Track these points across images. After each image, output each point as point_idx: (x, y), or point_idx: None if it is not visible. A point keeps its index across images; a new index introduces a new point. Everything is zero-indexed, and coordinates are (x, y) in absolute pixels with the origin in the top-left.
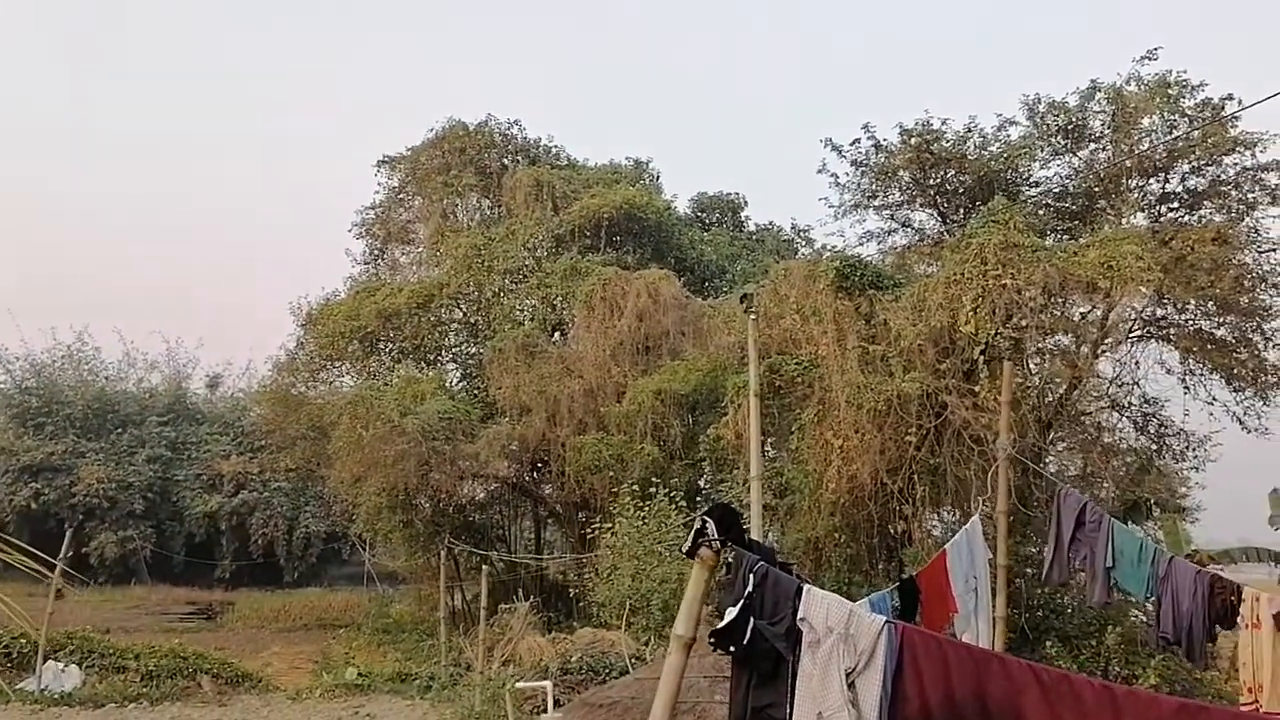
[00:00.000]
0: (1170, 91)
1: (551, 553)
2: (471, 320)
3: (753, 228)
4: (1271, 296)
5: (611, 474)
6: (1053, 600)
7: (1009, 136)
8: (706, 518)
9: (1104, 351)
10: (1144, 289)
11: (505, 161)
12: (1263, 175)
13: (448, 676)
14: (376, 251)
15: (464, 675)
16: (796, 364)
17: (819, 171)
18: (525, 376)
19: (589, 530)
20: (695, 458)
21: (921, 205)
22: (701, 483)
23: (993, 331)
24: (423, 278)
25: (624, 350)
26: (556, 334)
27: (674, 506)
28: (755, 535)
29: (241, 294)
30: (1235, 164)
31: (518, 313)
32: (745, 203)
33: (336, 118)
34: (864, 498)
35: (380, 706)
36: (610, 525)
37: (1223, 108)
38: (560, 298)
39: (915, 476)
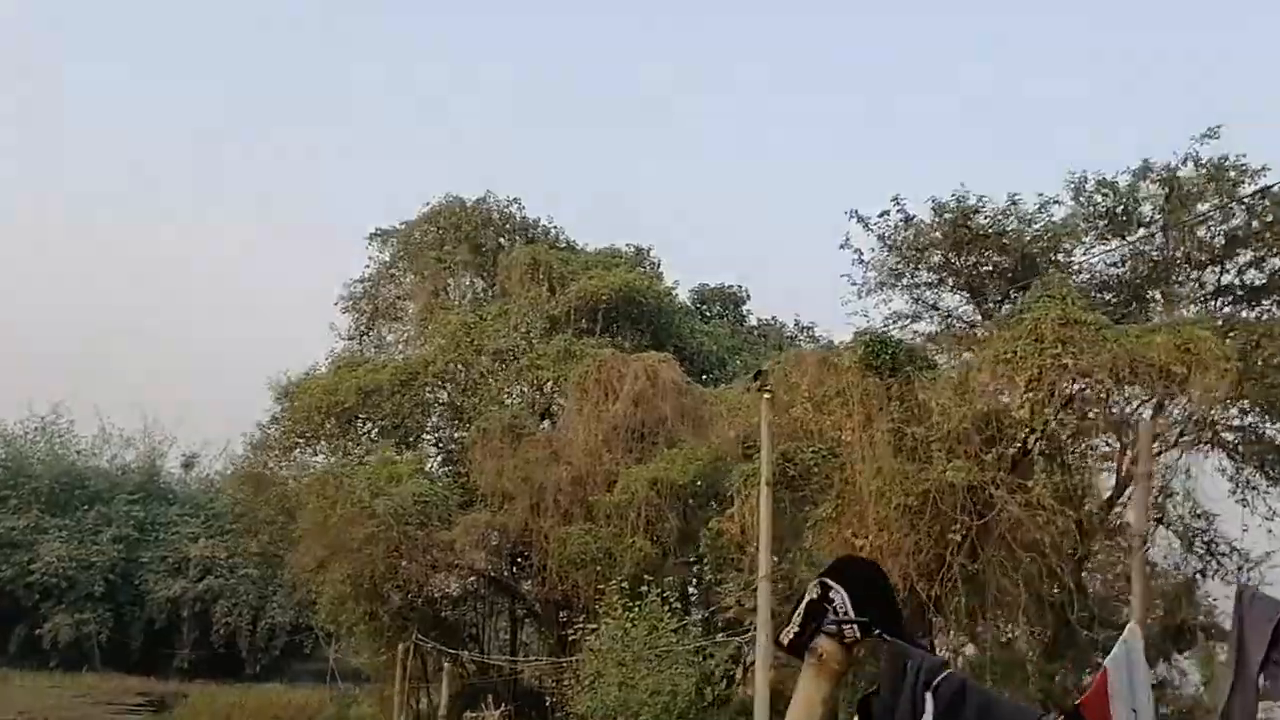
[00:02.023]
0: (1229, 175)
1: (528, 655)
2: (456, 402)
3: (754, 322)
4: None
5: (599, 569)
6: None
7: (1051, 216)
8: (832, 583)
9: (1158, 454)
10: (1223, 379)
11: (502, 240)
12: None
13: None
14: (363, 327)
15: None
16: (814, 452)
17: (842, 246)
18: (509, 461)
19: (570, 631)
20: (692, 555)
21: (954, 288)
22: (696, 584)
23: (1049, 418)
24: (409, 355)
25: (617, 436)
26: (545, 421)
27: (667, 608)
28: (762, 642)
29: (227, 368)
30: None
31: (505, 396)
32: (747, 296)
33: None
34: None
35: None
36: (595, 626)
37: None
38: (551, 382)
39: (953, 584)
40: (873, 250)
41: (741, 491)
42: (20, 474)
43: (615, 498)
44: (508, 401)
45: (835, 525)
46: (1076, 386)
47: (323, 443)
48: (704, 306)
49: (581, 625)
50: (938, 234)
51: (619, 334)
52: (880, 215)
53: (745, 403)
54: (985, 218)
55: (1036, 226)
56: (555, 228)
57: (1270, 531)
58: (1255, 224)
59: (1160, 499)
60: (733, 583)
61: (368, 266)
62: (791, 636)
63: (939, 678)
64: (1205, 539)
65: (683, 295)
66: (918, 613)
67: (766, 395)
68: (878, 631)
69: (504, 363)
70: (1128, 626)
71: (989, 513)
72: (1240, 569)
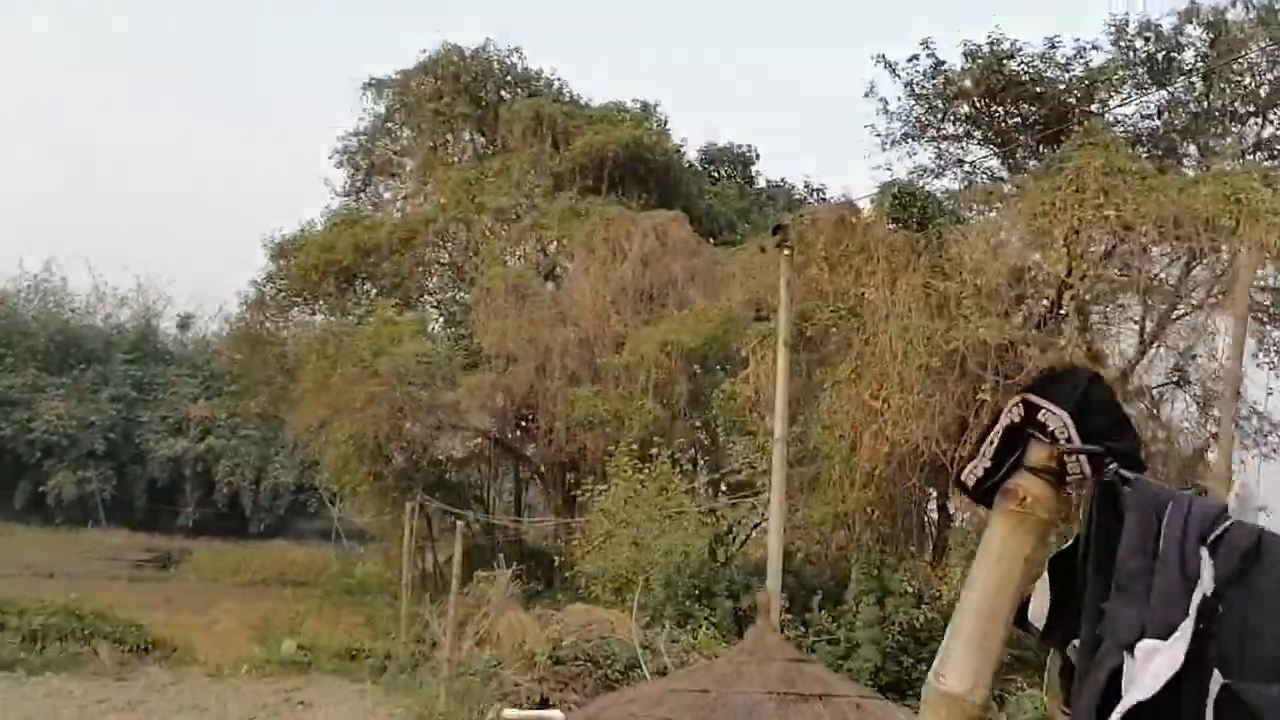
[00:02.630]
0: None
1: (533, 516)
2: (458, 262)
3: (763, 184)
4: None
5: (607, 431)
6: None
7: (1089, 62)
8: (1042, 401)
9: (1178, 317)
10: (1273, 231)
11: (503, 93)
12: None
13: (408, 657)
14: (359, 183)
15: (429, 655)
16: (833, 312)
17: (866, 95)
18: (514, 321)
19: (578, 493)
20: (702, 418)
21: (982, 141)
22: (706, 447)
23: (1087, 273)
24: (407, 213)
25: (626, 297)
26: (550, 283)
27: (677, 470)
28: (776, 504)
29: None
30: None
31: (509, 256)
32: (756, 156)
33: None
34: (907, 469)
35: (320, 692)
36: (605, 488)
37: None
38: (556, 242)
39: (967, 447)
40: (899, 99)
41: (757, 352)
42: (15, 331)
43: (624, 360)
44: (511, 262)
45: (854, 387)
46: (1117, 240)
47: (321, 302)
48: (711, 167)
49: (590, 487)
50: (968, 81)
51: (626, 193)
52: (909, 60)
53: (759, 263)
54: (1019, 63)
55: (1073, 73)
56: (559, 80)
57: None
58: None
59: (1183, 361)
60: (744, 445)
61: (362, 119)
62: (980, 475)
63: (1221, 527)
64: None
65: (690, 155)
66: (938, 474)
67: (786, 251)
68: (1112, 465)
69: (506, 222)
70: (1238, 483)
71: (1018, 373)
72: (1259, 432)
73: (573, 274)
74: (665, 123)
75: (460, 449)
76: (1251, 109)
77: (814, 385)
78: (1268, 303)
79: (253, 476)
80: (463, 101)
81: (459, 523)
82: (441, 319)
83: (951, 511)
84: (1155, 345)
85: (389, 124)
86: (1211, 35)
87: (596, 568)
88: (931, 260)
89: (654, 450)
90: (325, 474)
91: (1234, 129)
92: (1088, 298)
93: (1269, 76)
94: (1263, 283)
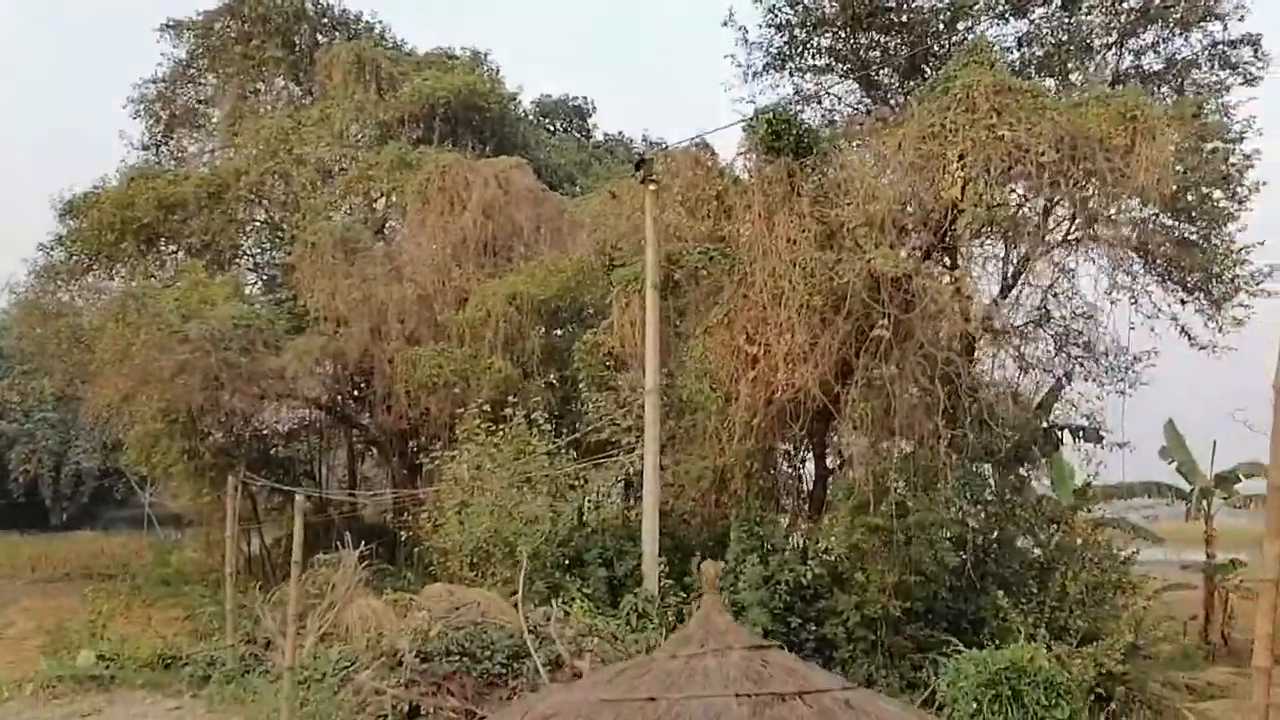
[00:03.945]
0: None
1: (370, 490)
2: (275, 219)
3: (601, 137)
4: (1237, 191)
5: (454, 393)
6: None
7: None
8: None
9: (1039, 254)
10: (1166, 150)
11: (319, 36)
12: (1230, 51)
13: (236, 661)
14: (160, 136)
15: (262, 657)
16: (702, 253)
17: (725, 24)
18: (344, 280)
19: (423, 461)
20: (558, 374)
21: (844, 74)
22: (564, 405)
23: (982, 195)
24: (215, 167)
25: (467, 250)
26: (382, 240)
27: (535, 431)
28: (650, 462)
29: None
30: (1201, 40)
31: (333, 211)
32: (594, 109)
33: None
34: (788, 417)
35: (125, 714)
36: (454, 454)
37: None
38: (386, 194)
39: (866, 386)
40: (760, 28)
41: (620, 299)
42: None
43: (469, 315)
44: (336, 217)
45: (727, 332)
46: (1012, 162)
47: (119, 266)
48: (546, 120)
49: (438, 454)
50: (833, 5)
51: (459, 143)
52: None
53: (612, 209)
54: None
55: (933, 1)
56: (381, 24)
57: (1153, 330)
58: (1156, 2)
59: (1043, 299)
60: (606, 402)
61: (160, 65)
62: None
63: None
64: (1084, 340)
65: (524, 108)
66: (820, 419)
67: (652, 187)
68: None
69: (329, 175)
70: None
71: (910, 309)
72: (1112, 370)
73: (407, 226)
74: (498, 72)
75: (288, 420)
76: (1111, 40)
77: (684, 333)
78: (1127, 234)
79: (52, 463)
80: (274, 45)
81: (297, 497)
82: (260, 281)
83: (831, 463)
84: (1019, 284)
85: (191, 70)
86: None
87: (451, 542)
88: (816, 189)
89: (507, 411)
90: (132, 454)
91: (1094, 60)
92: (978, 227)
93: (1127, 6)
94: (1117, 216)
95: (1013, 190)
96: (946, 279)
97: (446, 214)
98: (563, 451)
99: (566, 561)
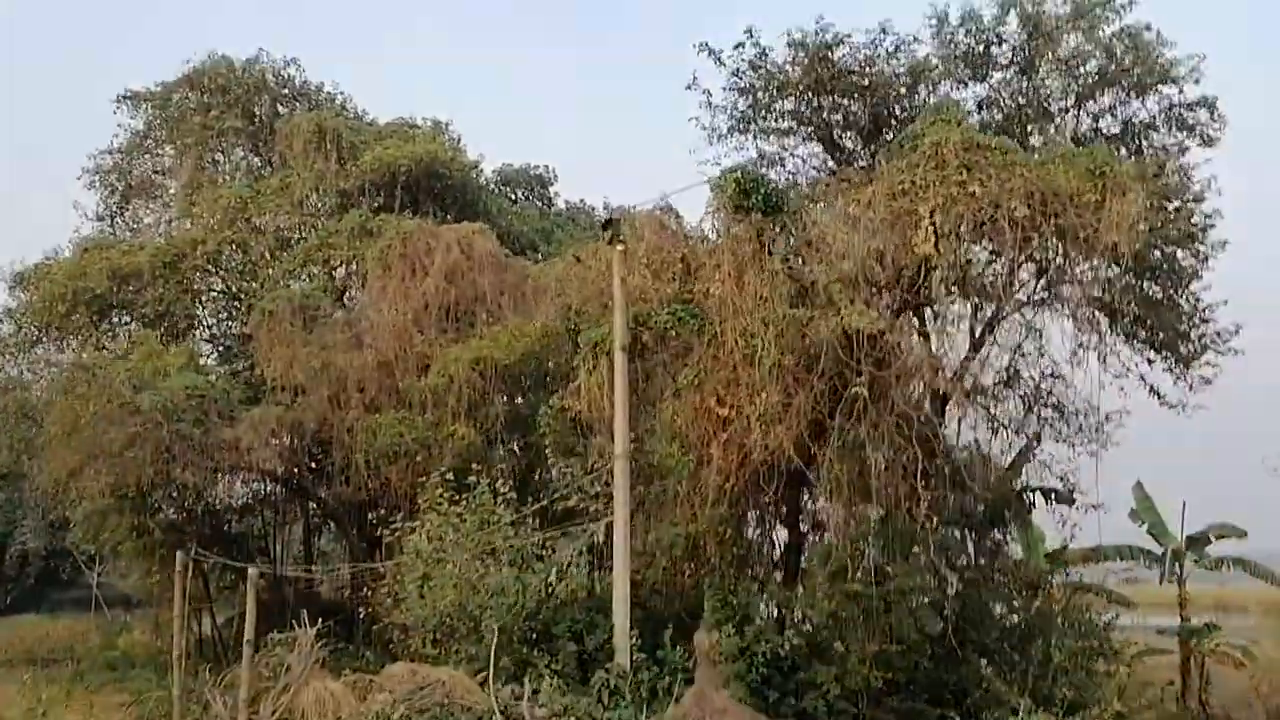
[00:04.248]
0: (1094, 11)
1: (327, 565)
2: (233, 289)
3: (562, 205)
4: (1201, 250)
5: (415, 462)
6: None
7: (914, 54)
8: None
9: (1006, 314)
10: (1134, 205)
11: (279, 107)
12: (1187, 114)
13: None
14: (115, 206)
15: None
16: (670, 314)
17: (688, 87)
18: (303, 349)
19: (386, 533)
20: (523, 440)
21: (806, 138)
22: (529, 473)
23: (955, 250)
24: (172, 236)
25: (429, 316)
26: (342, 309)
27: (500, 500)
28: (620, 529)
29: None
30: (1157, 103)
31: (292, 280)
32: (555, 177)
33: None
34: (762, 481)
35: None
36: (416, 525)
37: (1144, 34)
38: (346, 263)
39: (840, 448)
40: (723, 90)
41: (587, 362)
42: None
43: (431, 382)
44: (295, 285)
45: (697, 394)
46: (984, 219)
47: (71, 338)
48: (507, 189)
49: (399, 525)
50: (796, 70)
51: (421, 211)
52: (735, 48)
53: (577, 274)
54: (846, 53)
55: (896, 67)
56: (341, 94)
57: (1122, 390)
58: (1113, 67)
59: (1013, 359)
60: (574, 468)
61: (116, 135)
62: None
63: None
64: (1053, 400)
65: (485, 178)
66: (793, 483)
67: (620, 247)
68: None
69: (288, 243)
70: None
71: (884, 368)
72: (1081, 430)
73: (368, 293)
74: (459, 141)
75: (241, 494)
76: (1069, 103)
77: (652, 396)
78: (1096, 294)
79: None
80: (233, 115)
81: (250, 570)
82: (217, 351)
83: (804, 529)
84: (988, 344)
85: (149, 141)
86: (1029, 28)
87: (413, 617)
88: (786, 247)
89: (471, 479)
90: (79, 532)
91: (1053, 123)
92: (950, 283)
93: (1084, 70)
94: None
95: (984, 248)
96: (916, 337)
97: (408, 280)
98: (528, 520)
99: (534, 636)
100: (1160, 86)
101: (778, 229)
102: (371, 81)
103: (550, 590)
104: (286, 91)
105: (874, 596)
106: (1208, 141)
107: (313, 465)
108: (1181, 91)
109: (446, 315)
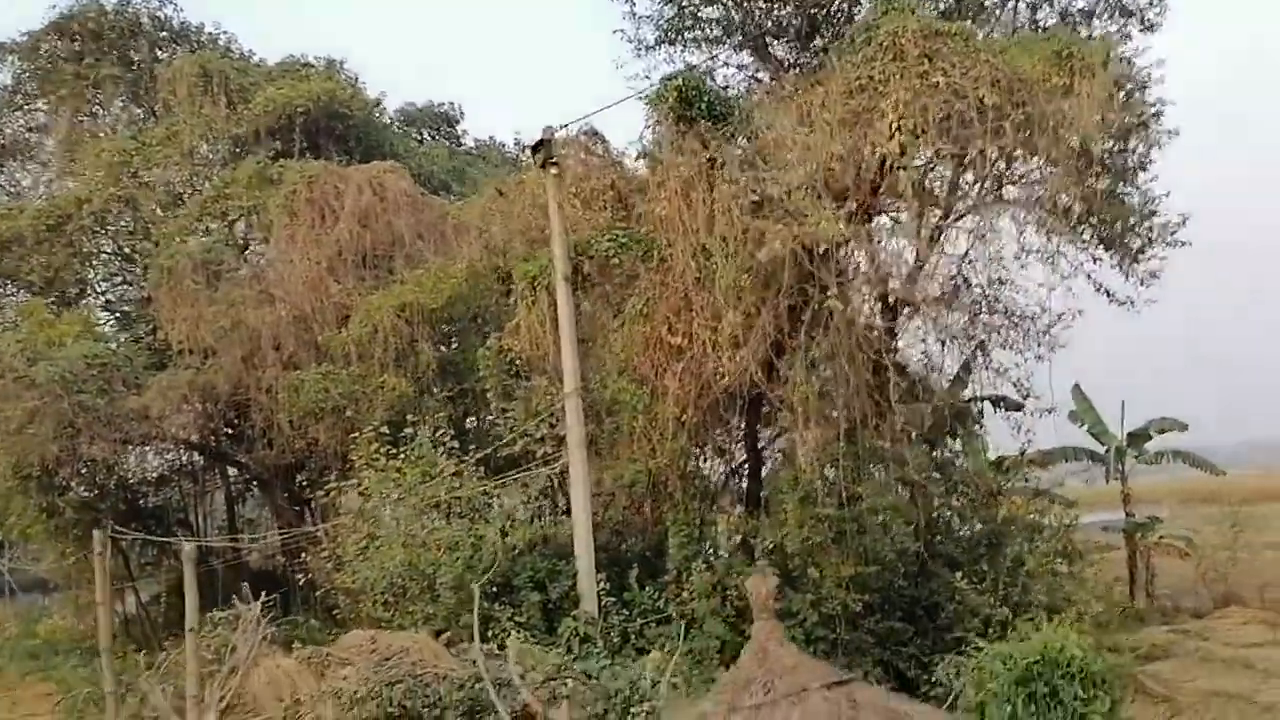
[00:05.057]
0: None
1: (253, 533)
2: (125, 250)
3: (472, 143)
4: (1151, 138)
5: (347, 416)
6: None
7: None
8: None
9: (953, 221)
10: (1104, 89)
11: (159, 52)
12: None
13: None
14: None
15: None
16: (612, 239)
17: None
18: (209, 308)
19: (314, 496)
20: (458, 387)
21: (738, 46)
22: (469, 420)
23: (922, 149)
24: (54, 196)
25: (344, 263)
26: (246, 262)
27: (442, 450)
28: (578, 470)
29: None
30: None
31: (190, 235)
32: (462, 115)
33: None
34: (721, 408)
35: None
36: (356, 482)
37: None
38: (247, 212)
39: (803, 367)
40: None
41: (526, 296)
42: None
43: (354, 332)
44: (192, 241)
45: (647, 323)
46: (949, 110)
47: None
48: (412, 129)
49: (333, 486)
50: None
51: (323, 155)
52: None
53: (500, 209)
54: None
55: None
56: (225, 34)
57: (1070, 290)
58: None
59: (960, 267)
60: (518, 411)
61: None
62: None
63: None
64: (1002, 307)
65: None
66: (752, 409)
67: (554, 171)
68: None
69: (180, 198)
70: None
71: (842, 281)
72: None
73: (275, 243)
74: (356, 80)
75: (156, 466)
76: None
77: (598, 329)
78: (1039, 195)
79: None
80: (109, 63)
81: (185, 546)
82: (114, 317)
83: (765, 453)
84: (935, 252)
85: (18, 96)
86: None
87: (360, 580)
88: (737, 158)
89: (407, 432)
90: None
91: (989, 17)
92: (912, 184)
93: None
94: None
95: (938, 147)
96: (865, 250)
97: (318, 226)
98: (473, 469)
99: (495, 589)
100: None
101: (726, 138)
102: (256, 26)
103: (507, 539)
104: (165, 34)
105: (846, 518)
106: (1149, 26)
107: (230, 430)
108: None
109: (363, 261)
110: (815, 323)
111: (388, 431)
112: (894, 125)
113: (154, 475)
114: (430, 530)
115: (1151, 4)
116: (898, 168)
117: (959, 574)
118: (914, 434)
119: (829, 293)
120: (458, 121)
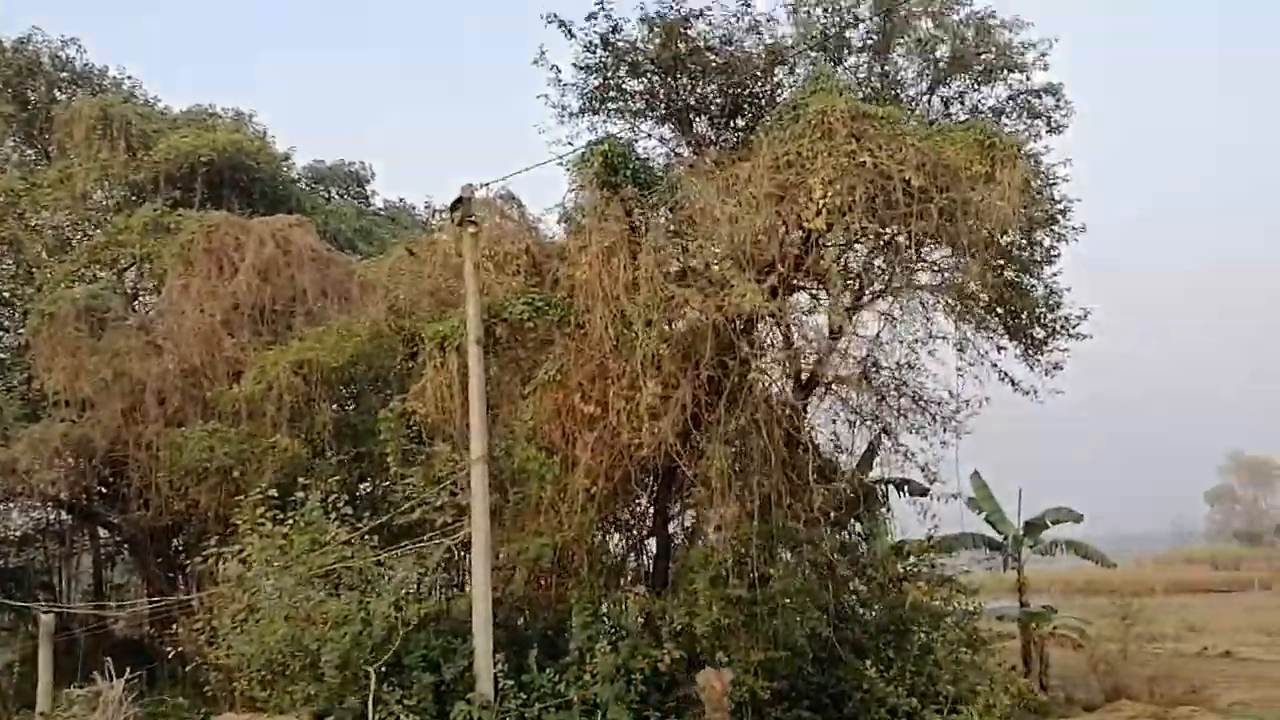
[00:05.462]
0: None
1: (122, 599)
2: (4, 294)
3: (380, 204)
4: (1060, 232)
5: (233, 477)
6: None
7: (773, 35)
8: None
9: (866, 302)
10: (1021, 178)
11: (57, 93)
12: (1035, 100)
13: None
14: None
15: None
16: (527, 303)
17: (535, 62)
18: (90, 358)
19: (191, 562)
20: (354, 450)
21: (660, 120)
22: (366, 485)
23: (852, 224)
24: None
25: (241, 317)
26: (134, 313)
27: (335, 517)
28: (480, 542)
29: None
30: (1006, 89)
31: (76, 281)
32: (372, 175)
33: None
34: (631, 483)
35: None
36: (241, 548)
37: (989, 20)
38: (139, 260)
39: (716, 448)
40: (574, 67)
41: (434, 359)
42: None
43: (247, 389)
44: (78, 288)
45: (561, 390)
46: (875, 191)
47: None
48: (319, 187)
49: (211, 551)
50: (650, 47)
51: (226, 205)
52: (588, 19)
53: (409, 269)
54: (704, 26)
55: (753, 45)
56: (129, 79)
57: (976, 378)
58: (963, 53)
59: (871, 349)
60: (418, 478)
61: None
62: None
63: None
64: (910, 391)
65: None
66: (663, 484)
67: (472, 229)
68: None
69: (69, 242)
70: None
71: (760, 355)
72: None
73: (168, 293)
74: (265, 133)
75: (20, 524)
76: (923, 88)
77: (507, 395)
78: (954, 280)
79: None
80: (4, 100)
81: (44, 619)
82: None
83: (673, 531)
84: (847, 332)
85: None
86: (882, 10)
87: (237, 656)
88: (661, 226)
89: (297, 496)
90: None
91: (907, 108)
92: (834, 262)
93: (937, 55)
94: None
95: (865, 226)
96: (783, 325)
97: (215, 277)
98: (366, 539)
99: (384, 669)
100: (1007, 73)
101: (650, 207)
102: (167, 84)
103: (400, 615)
104: (65, 75)
105: (758, 600)
106: (1055, 128)
107: (104, 488)
108: (1029, 78)
109: (261, 316)
110: (733, 397)
111: (276, 495)
112: (821, 201)
113: (17, 534)
114: (317, 603)
115: (1058, 106)
116: (822, 245)
117: (867, 661)
118: (828, 515)
119: (750, 366)
120: (367, 181)
